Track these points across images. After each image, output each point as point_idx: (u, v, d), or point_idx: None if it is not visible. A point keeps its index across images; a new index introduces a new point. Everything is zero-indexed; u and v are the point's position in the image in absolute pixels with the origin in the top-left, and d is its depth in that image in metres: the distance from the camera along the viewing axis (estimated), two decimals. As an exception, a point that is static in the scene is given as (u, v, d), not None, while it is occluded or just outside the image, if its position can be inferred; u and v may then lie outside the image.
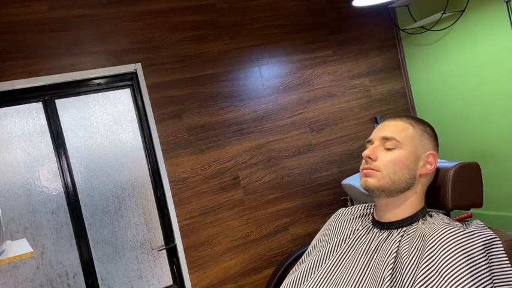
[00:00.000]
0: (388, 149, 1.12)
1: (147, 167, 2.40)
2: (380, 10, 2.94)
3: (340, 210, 1.34)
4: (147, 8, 2.38)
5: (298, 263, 1.30)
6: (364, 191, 1.16)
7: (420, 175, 1.12)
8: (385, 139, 1.14)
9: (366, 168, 1.14)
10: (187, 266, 2.38)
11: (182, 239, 2.38)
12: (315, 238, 1.33)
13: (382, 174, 1.11)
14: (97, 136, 2.31)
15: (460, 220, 1.16)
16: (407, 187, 1.11)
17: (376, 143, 1.15)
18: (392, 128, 1.15)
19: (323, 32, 2.84)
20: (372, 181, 1.12)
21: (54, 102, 2.23)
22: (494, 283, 0.95)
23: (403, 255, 1.03)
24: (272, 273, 2.48)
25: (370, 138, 1.19)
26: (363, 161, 1.17)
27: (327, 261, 1.18)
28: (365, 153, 1.15)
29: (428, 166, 1.12)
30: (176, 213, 2.37)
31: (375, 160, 1.13)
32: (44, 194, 2.19)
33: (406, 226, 1.11)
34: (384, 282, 1.00)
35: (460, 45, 2.62)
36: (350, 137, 2.84)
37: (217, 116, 2.51)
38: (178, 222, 2.38)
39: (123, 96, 2.39)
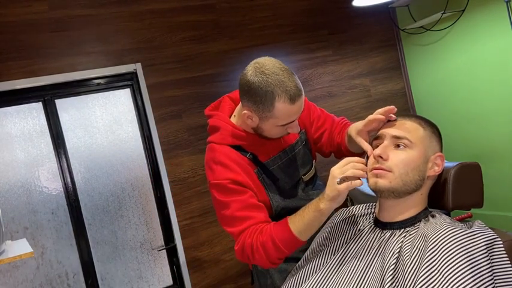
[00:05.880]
0: (399, 149, 1.09)
1: (147, 167, 2.40)
2: (380, 10, 2.93)
3: (340, 210, 1.33)
4: (147, 8, 2.38)
5: (298, 263, 1.30)
6: (368, 191, 1.15)
7: (428, 177, 1.11)
8: (397, 138, 1.10)
9: (377, 168, 1.10)
10: (187, 266, 2.38)
11: (182, 239, 2.37)
12: (315, 238, 1.32)
13: (394, 175, 1.07)
14: (97, 136, 2.31)
15: (461, 220, 1.15)
16: (416, 189, 1.09)
17: (386, 142, 1.11)
18: (403, 127, 1.12)
19: (323, 32, 2.84)
20: (383, 182, 1.08)
21: (54, 102, 2.22)
22: (496, 283, 0.95)
23: (405, 255, 1.02)
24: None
25: (379, 134, 1.16)
26: (371, 160, 1.13)
27: (328, 261, 1.18)
28: (375, 152, 1.11)
29: (436, 168, 1.11)
30: (176, 213, 2.37)
31: (386, 159, 1.09)
32: (44, 194, 2.19)
33: (408, 226, 1.10)
34: (386, 283, 0.99)
35: (460, 45, 2.62)
36: (350, 137, 2.84)
37: (217, 116, 2.50)
38: (178, 222, 2.38)
39: (123, 96, 2.38)
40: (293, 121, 1.26)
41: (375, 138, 1.17)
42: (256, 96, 1.20)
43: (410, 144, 1.09)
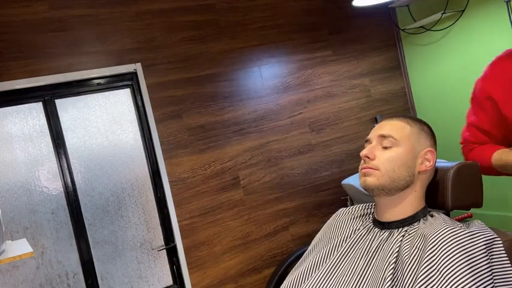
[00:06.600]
0: (386, 148, 1.14)
1: (147, 167, 2.40)
2: (380, 10, 2.93)
3: (340, 210, 1.34)
4: (147, 8, 2.38)
5: (298, 263, 1.30)
6: (364, 190, 1.17)
7: (419, 172, 1.13)
8: (383, 137, 1.15)
9: (365, 168, 1.14)
10: (187, 266, 2.38)
11: (182, 239, 2.38)
12: (315, 238, 1.33)
13: (381, 172, 1.11)
14: (97, 136, 2.31)
15: (460, 220, 1.16)
16: (406, 185, 1.12)
17: (374, 142, 1.16)
18: (389, 126, 1.17)
19: (323, 32, 2.84)
20: (371, 180, 1.12)
21: (54, 102, 2.22)
22: (495, 283, 0.95)
23: (404, 255, 1.03)
24: (272, 273, 2.48)
25: (368, 137, 1.21)
26: (362, 160, 1.18)
27: (327, 261, 1.18)
28: (363, 152, 1.16)
29: (427, 163, 1.13)
30: (176, 213, 2.37)
31: (372, 159, 1.13)
32: (44, 194, 2.19)
33: (407, 226, 1.11)
34: (385, 282, 1.00)
35: (460, 45, 2.62)
36: (350, 137, 2.84)
37: (217, 116, 2.51)
38: (178, 222, 2.38)
39: (123, 96, 2.38)
40: None
41: (365, 141, 1.22)
42: None
43: (395, 142, 1.13)
